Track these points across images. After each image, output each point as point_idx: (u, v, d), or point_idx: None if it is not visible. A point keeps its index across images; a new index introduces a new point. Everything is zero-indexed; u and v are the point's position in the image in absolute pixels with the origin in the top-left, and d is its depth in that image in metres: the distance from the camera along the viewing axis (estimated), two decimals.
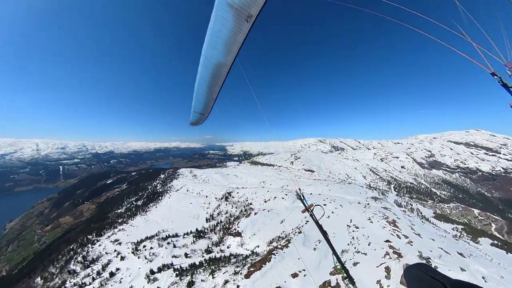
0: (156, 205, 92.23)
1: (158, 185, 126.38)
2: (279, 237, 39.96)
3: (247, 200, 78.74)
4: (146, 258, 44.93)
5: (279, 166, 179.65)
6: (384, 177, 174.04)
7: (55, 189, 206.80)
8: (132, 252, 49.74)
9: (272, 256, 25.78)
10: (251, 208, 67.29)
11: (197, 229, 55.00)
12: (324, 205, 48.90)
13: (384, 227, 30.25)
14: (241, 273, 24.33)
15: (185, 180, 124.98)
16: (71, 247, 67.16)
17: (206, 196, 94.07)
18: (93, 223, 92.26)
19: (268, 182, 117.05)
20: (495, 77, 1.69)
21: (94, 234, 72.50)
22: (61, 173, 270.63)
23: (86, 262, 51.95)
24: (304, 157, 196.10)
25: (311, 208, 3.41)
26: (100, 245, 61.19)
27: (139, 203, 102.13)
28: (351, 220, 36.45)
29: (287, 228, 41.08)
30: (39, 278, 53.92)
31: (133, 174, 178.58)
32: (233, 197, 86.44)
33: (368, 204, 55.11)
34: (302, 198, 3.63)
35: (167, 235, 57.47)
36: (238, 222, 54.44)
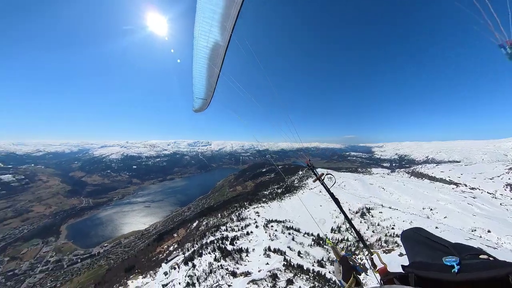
0: (291, 197, 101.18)
1: (296, 180, 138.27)
2: None
3: (393, 229, 55.90)
4: (269, 236, 50.40)
5: (473, 189, 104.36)
6: None
7: (237, 169, 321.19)
8: (263, 226, 58.78)
9: None
10: (395, 242, 46.02)
11: (318, 235, 50.32)
12: None
13: None
14: None
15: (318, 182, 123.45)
16: (236, 204, 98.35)
17: None
18: (250, 195, 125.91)
19: (441, 212, 73.36)
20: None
21: (248, 202, 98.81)
22: (240, 160, 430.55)
23: (239, 217, 72.13)
24: None
25: (322, 177, 3.36)
26: (248, 211, 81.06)
27: (279, 191, 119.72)
28: None
29: None
30: (221, 212, 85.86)
31: (279, 167, 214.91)
32: (372, 216, 66.87)
33: None
34: (313, 168, 3.54)
35: (291, 226, 59.75)
36: (371, 254, 40.28)
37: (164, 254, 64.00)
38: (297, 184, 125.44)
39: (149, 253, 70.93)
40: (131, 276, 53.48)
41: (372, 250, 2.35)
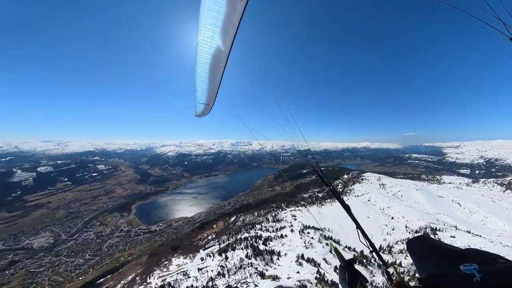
0: (332, 203, 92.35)
1: (340, 184, 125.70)
2: None
3: None
4: (304, 243, 46.87)
5: None
6: None
7: (276, 169, 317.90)
8: (299, 231, 55.43)
9: None
10: None
11: (362, 252, 43.24)
12: None
13: None
14: None
15: (369, 187, 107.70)
16: (273, 204, 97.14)
17: (392, 218, 70.56)
18: (288, 197, 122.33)
19: None
20: None
21: (285, 204, 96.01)
22: (280, 160, 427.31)
23: (274, 218, 70.65)
24: None
25: (331, 183, 3.14)
26: (285, 213, 78.51)
27: (320, 195, 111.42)
28: None
29: None
30: (258, 211, 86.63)
31: (322, 169, 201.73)
32: (440, 240, 52.96)
33: None
34: (320, 173, 3.33)
35: (330, 235, 54.09)
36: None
37: (203, 242, 69.38)
38: (340, 189, 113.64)
39: (192, 238, 78.53)
40: (175, 255, 60.45)
41: (388, 263, 1.96)
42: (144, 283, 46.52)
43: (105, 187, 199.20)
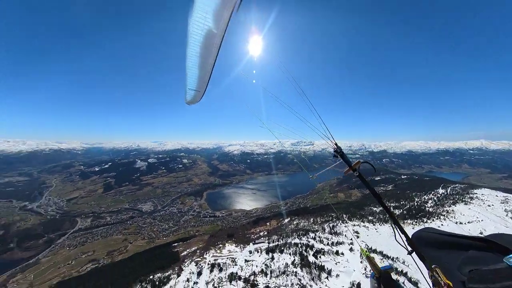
0: (414, 226, 71.24)
1: (430, 201, 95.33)
2: None
3: None
4: (365, 269, 38.23)
5: None
6: None
7: (341, 173, 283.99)
8: (361, 253, 46.14)
9: None
10: None
11: None
12: None
13: None
14: None
15: (483, 212, 74.53)
16: (332, 214, 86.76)
17: None
18: (352, 207, 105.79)
19: None
20: None
21: (348, 215, 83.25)
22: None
23: (332, 230, 62.78)
24: None
25: (358, 166, 2.56)
26: (345, 226, 68.08)
27: (397, 212, 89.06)
28: None
29: None
30: (314, 218, 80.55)
31: (402, 177, 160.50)
32: None
33: None
34: (343, 155, 2.68)
35: (401, 270, 41.31)
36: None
37: (255, 236, 71.70)
38: (431, 209, 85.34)
39: (246, 230, 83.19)
40: (229, 241, 65.96)
41: (433, 265, 1.80)
42: (201, 257, 53.54)
43: (187, 176, 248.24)
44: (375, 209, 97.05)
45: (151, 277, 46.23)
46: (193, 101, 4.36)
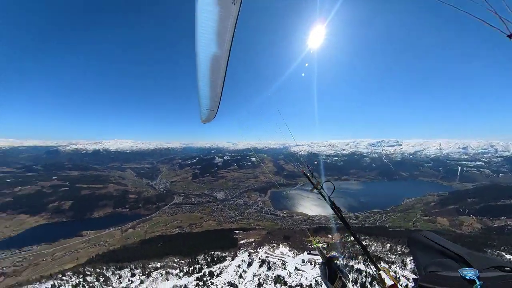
0: None
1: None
2: None
3: None
4: None
5: None
6: None
7: (448, 187, 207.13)
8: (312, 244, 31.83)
9: None
10: None
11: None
12: None
13: None
14: None
15: None
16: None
17: None
18: (461, 242, 75.00)
19: None
20: None
21: None
22: (458, 174, 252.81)
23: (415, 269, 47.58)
24: None
25: (320, 186, 3.18)
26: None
27: None
28: None
29: None
30: (393, 244, 64.75)
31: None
32: None
33: None
34: (309, 175, 3.48)
35: None
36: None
37: (312, 245, 66.25)
38: None
39: (303, 236, 78.58)
40: (284, 243, 64.82)
41: (380, 266, 2.09)
42: (254, 250, 55.92)
43: (254, 173, 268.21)
44: (508, 256, 62.85)
45: (212, 252, 53.51)
46: (207, 120, 4.75)
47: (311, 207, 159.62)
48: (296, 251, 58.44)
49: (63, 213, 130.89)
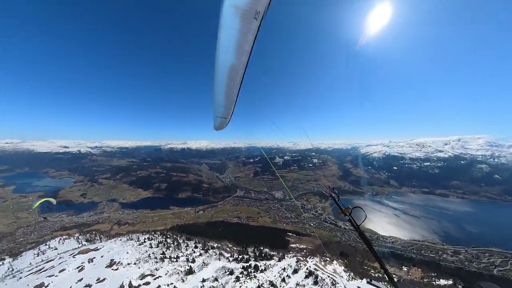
0: None
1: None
2: None
3: None
4: None
5: None
6: None
7: None
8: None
9: None
10: None
11: None
12: None
13: None
14: None
15: None
16: None
17: None
18: None
19: None
20: None
21: None
22: None
23: None
24: None
25: (349, 212, 2.89)
26: None
27: None
28: None
29: None
30: None
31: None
32: None
33: None
34: (337, 200, 3.17)
35: None
36: None
37: (375, 272, 55.41)
38: None
39: (367, 259, 66.96)
40: (339, 260, 58.00)
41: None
42: (304, 258, 53.58)
43: (315, 176, 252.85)
44: None
45: (261, 247, 56.16)
46: (220, 127, 4.95)
47: (383, 224, 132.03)
48: (352, 274, 50.92)
49: (161, 191, 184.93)
